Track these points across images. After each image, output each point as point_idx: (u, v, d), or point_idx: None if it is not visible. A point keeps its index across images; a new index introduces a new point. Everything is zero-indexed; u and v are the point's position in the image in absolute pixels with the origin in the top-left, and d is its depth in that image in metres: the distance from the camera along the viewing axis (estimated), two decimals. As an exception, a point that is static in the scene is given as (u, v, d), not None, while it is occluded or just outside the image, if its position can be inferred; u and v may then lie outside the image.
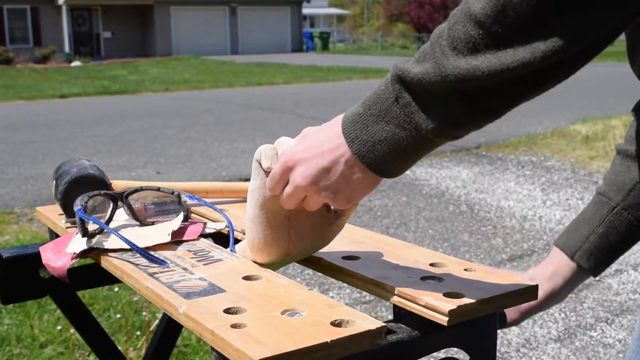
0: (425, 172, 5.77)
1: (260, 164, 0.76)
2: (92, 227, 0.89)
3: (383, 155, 0.64)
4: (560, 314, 2.93)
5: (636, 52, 0.89)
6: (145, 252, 0.83)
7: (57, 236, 1.03)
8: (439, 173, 5.72)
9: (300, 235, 0.79)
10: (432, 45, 0.61)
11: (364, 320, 0.63)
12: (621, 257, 3.61)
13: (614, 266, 3.44)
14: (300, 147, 0.70)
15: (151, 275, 0.78)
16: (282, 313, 0.65)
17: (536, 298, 0.76)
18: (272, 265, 0.82)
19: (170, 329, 1.25)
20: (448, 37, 0.59)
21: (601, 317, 2.90)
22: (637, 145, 0.93)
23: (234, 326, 0.62)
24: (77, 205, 0.89)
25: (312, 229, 0.79)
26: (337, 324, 0.62)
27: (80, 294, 1.12)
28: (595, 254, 0.93)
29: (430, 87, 0.60)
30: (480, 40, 0.57)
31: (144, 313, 2.64)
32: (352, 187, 0.68)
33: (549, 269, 0.95)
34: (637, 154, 0.93)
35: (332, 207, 0.79)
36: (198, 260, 0.83)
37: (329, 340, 0.59)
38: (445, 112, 0.60)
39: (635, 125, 0.94)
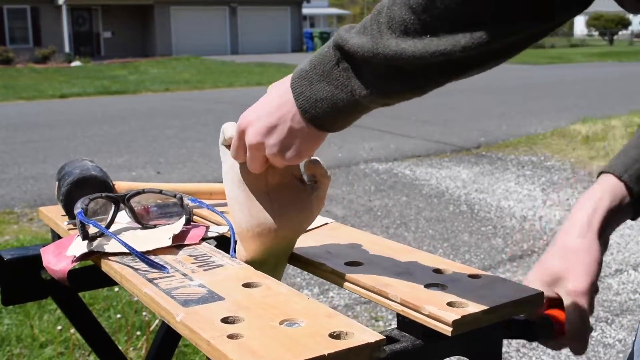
0: (425, 172, 5.77)
1: (224, 140, 0.82)
2: (92, 230, 0.89)
3: (323, 112, 0.70)
4: (560, 314, 2.93)
5: None
6: (144, 257, 0.83)
7: (59, 237, 1.03)
8: (439, 173, 5.72)
9: (283, 208, 0.81)
10: (371, 20, 0.65)
11: (362, 332, 0.62)
12: (621, 257, 3.61)
13: (613, 266, 3.44)
14: (251, 109, 0.76)
15: (150, 280, 0.77)
16: (281, 323, 0.64)
17: (541, 305, 0.76)
18: (269, 254, 0.82)
19: (172, 329, 1.24)
20: (386, 16, 0.63)
21: (601, 317, 2.90)
22: None
23: (230, 337, 0.61)
24: (78, 208, 0.88)
25: (292, 202, 0.81)
26: (335, 335, 0.61)
27: (80, 294, 1.12)
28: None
29: (364, 59, 0.65)
30: (411, 25, 0.61)
31: (144, 313, 2.64)
32: (299, 142, 0.73)
33: (591, 200, 0.88)
34: None
35: (305, 179, 0.83)
36: (198, 266, 0.82)
37: (326, 353, 0.58)
38: (376, 83, 0.66)
39: None
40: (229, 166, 0.82)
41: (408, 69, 0.63)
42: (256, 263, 0.83)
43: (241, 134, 0.77)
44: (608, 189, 0.89)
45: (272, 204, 0.80)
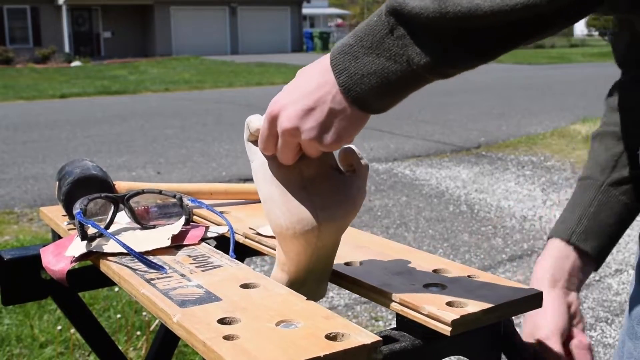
0: (425, 172, 5.77)
1: (249, 135, 0.74)
2: (91, 230, 0.89)
3: (370, 88, 0.61)
4: (560, 314, 2.93)
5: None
6: (142, 257, 0.83)
7: (59, 237, 1.03)
8: (439, 173, 5.72)
9: (325, 200, 0.72)
10: None
11: (359, 333, 0.61)
12: (621, 257, 3.61)
13: (613, 266, 3.44)
14: (284, 92, 0.67)
15: (148, 281, 0.77)
16: (277, 324, 0.64)
17: (540, 306, 0.75)
18: (314, 261, 0.75)
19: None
20: None
21: (601, 317, 2.90)
22: (613, 125, 0.91)
23: (226, 337, 0.61)
24: (77, 208, 0.88)
25: (333, 194, 0.73)
26: (331, 337, 0.61)
27: (80, 294, 1.12)
28: (591, 236, 0.89)
29: (428, 22, 0.57)
30: None
31: (144, 313, 2.64)
32: (339, 125, 0.64)
33: (547, 264, 0.91)
34: (611, 133, 0.91)
35: (342, 168, 0.75)
36: (197, 266, 0.82)
37: (321, 354, 0.57)
38: (440, 49, 0.58)
39: (607, 110, 0.93)
40: (259, 163, 0.73)
41: (481, 30, 0.56)
42: (300, 277, 0.76)
43: (272, 120, 0.67)
44: (561, 255, 0.91)
45: (312, 198, 0.72)
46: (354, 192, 0.74)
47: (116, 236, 0.88)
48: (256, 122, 0.73)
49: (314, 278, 0.77)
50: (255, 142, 0.74)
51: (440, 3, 0.56)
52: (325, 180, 0.73)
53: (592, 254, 0.90)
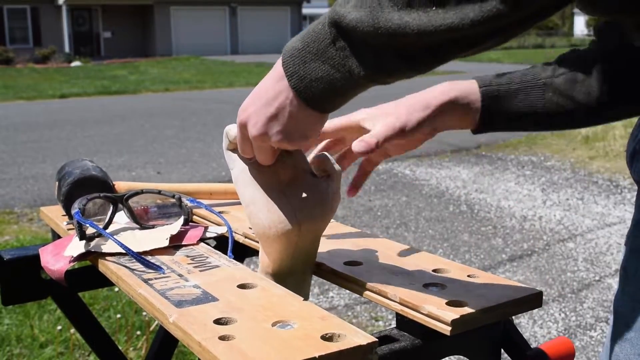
0: (425, 172, 5.77)
1: (229, 144, 0.80)
2: (90, 230, 0.89)
3: (320, 92, 0.66)
4: (560, 314, 2.93)
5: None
6: (140, 257, 0.83)
7: (59, 237, 1.03)
8: (439, 173, 5.72)
9: (302, 202, 0.78)
10: None
11: (354, 334, 0.61)
12: (621, 257, 3.61)
13: (613, 266, 3.44)
14: (249, 99, 0.73)
15: (145, 281, 0.77)
16: (273, 325, 0.64)
17: (540, 305, 0.75)
18: (295, 258, 0.79)
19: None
20: None
21: (601, 317, 2.90)
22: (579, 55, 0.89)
23: (222, 338, 0.61)
24: (75, 208, 0.88)
25: (310, 196, 0.79)
26: (327, 337, 0.61)
27: (80, 294, 1.12)
28: (496, 102, 0.87)
29: (363, 36, 0.61)
30: None
31: (144, 313, 2.64)
32: (301, 125, 0.70)
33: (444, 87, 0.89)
34: (586, 52, 0.89)
35: (315, 172, 0.81)
36: (195, 267, 0.82)
37: (317, 355, 0.57)
38: (377, 61, 0.62)
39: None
40: (239, 170, 0.79)
41: (411, 45, 0.59)
42: (283, 271, 0.80)
43: (242, 128, 0.74)
44: (464, 88, 0.89)
45: (290, 200, 0.78)
46: (329, 195, 0.80)
47: (115, 236, 0.88)
48: (234, 130, 0.78)
49: (295, 279, 0.81)
50: (234, 150, 0.80)
51: (373, 17, 0.59)
52: (301, 184, 0.79)
53: (483, 110, 0.88)
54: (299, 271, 0.81)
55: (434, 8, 0.56)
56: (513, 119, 0.88)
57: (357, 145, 0.82)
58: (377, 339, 0.61)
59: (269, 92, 0.70)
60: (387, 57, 0.61)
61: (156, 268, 0.81)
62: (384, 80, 0.64)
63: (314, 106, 0.68)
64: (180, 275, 0.79)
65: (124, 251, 0.85)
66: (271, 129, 0.70)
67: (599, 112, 0.88)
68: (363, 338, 0.61)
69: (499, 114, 0.88)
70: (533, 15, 0.57)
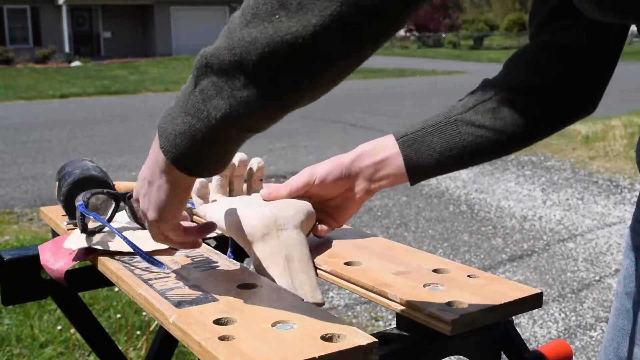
0: (425, 172, 5.77)
1: (196, 191, 0.93)
2: (92, 225, 0.89)
3: (184, 149, 0.60)
4: (560, 314, 2.93)
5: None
6: (147, 255, 0.83)
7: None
8: (439, 173, 5.72)
9: (276, 205, 0.86)
10: (231, 18, 0.56)
11: (355, 335, 0.61)
12: (621, 257, 3.60)
13: (613, 266, 3.44)
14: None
15: (145, 281, 0.77)
16: (273, 325, 0.64)
17: (540, 305, 0.75)
18: (278, 246, 0.81)
19: (171, 329, 1.24)
20: (242, 6, 0.54)
21: (601, 317, 2.90)
22: (501, 75, 0.90)
23: (222, 338, 0.61)
24: (79, 200, 0.89)
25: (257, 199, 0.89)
26: (327, 338, 0.61)
27: (80, 294, 1.12)
28: (416, 148, 0.88)
29: (221, 65, 0.55)
30: (262, 6, 0.52)
31: (144, 313, 2.64)
32: (159, 195, 0.66)
33: (373, 145, 0.91)
34: (494, 82, 0.90)
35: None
36: (195, 267, 0.82)
37: (316, 356, 0.57)
38: (232, 97, 0.55)
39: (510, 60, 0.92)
40: (212, 207, 0.90)
41: (261, 71, 0.53)
42: (266, 258, 0.81)
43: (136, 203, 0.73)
44: (377, 141, 0.90)
45: (268, 207, 0.84)
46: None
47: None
48: (196, 186, 0.91)
49: (279, 267, 0.82)
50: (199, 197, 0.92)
51: (229, 39, 0.54)
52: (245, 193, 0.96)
53: (407, 161, 0.88)
54: (282, 259, 0.82)
55: (276, 17, 0.51)
56: (437, 160, 0.88)
57: (265, 191, 0.88)
58: (377, 339, 0.61)
59: (149, 160, 0.66)
60: (242, 89, 0.55)
61: (158, 264, 0.81)
62: (244, 122, 0.57)
63: (179, 166, 0.62)
64: (180, 275, 0.79)
65: (124, 251, 0.85)
66: (140, 192, 0.69)
67: (525, 134, 0.88)
68: (363, 338, 0.61)
69: (422, 158, 0.88)
70: (385, 29, 0.51)
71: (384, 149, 0.89)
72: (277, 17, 0.51)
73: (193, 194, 0.90)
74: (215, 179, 0.93)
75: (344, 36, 0.51)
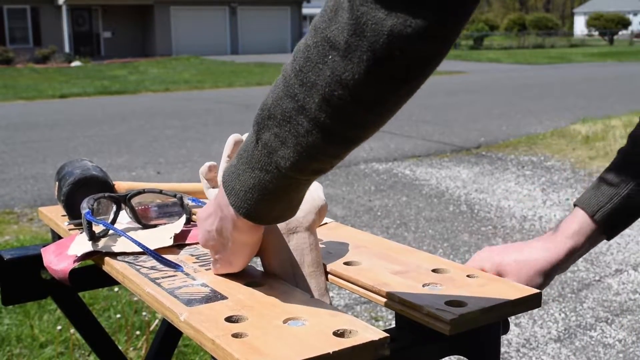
0: (425, 172, 5.77)
1: (206, 182, 0.93)
2: (96, 229, 0.89)
3: (256, 202, 0.63)
4: (560, 314, 2.93)
5: None
6: (157, 255, 0.83)
7: (59, 237, 1.03)
8: (439, 173, 5.72)
9: None
10: (282, 69, 0.59)
11: (366, 330, 0.62)
12: (621, 257, 3.61)
13: (613, 266, 3.44)
14: (203, 208, 0.75)
15: (153, 280, 0.77)
16: (284, 322, 0.64)
17: (539, 305, 0.76)
18: (282, 250, 0.80)
19: (172, 329, 1.25)
20: (292, 53, 0.57)
21: (601, 317, 2.90)
22: None
23: (235, 335, 0.61)
24: (85, 208, 0.88)
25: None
26: (339, 334, 0.61)
27: (80, 294, 1.12)
28: (614, 216, 0.91)
29: (284, 113, 0.56)
30: (313, 49, 0.54)
31: (144, 313, 2.64)
32: (232, 245, 0.71)
33: (572, 227, 0.93)
34: None
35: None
36: (201, 265, 0.82)
37: (331, 351, 0.58)
38: (298, 144, 0.57)
39: None
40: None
41: (325, 107, 0.54)
42: (275, 265, 0.80)
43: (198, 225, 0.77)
44: (583, 226, 0.92)
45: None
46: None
47: (118, 236, 0.88)
48: (205, 169, 0.90)
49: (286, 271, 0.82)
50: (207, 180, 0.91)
51: (286, 88, 0.56)
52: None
53: (608, 229, 0.92)
54: (288, 264, 0.82)
55: (329, 57, 0.52)
56: (633, 214, 0.92)
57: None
58: (388, 335, 0.61)
59: (212, 206, 0.71)
60: (308, 136, 0.56)
61: (175, 266, 0.81)
62: (313, 166, 0.59)
63: (252, 218, 0.65)
64: (187, 274, 0.79)
65: (128, 251, 0.85)
66: (209, 241, 0.73)
67: None
68: (374, 333, 0.61)
69: (618, 221, 0.91)
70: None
71: (582, 232, 0.92)
72: (330, 57, 0.52)
73: (201, 175, 0.90)
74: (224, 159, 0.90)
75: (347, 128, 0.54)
